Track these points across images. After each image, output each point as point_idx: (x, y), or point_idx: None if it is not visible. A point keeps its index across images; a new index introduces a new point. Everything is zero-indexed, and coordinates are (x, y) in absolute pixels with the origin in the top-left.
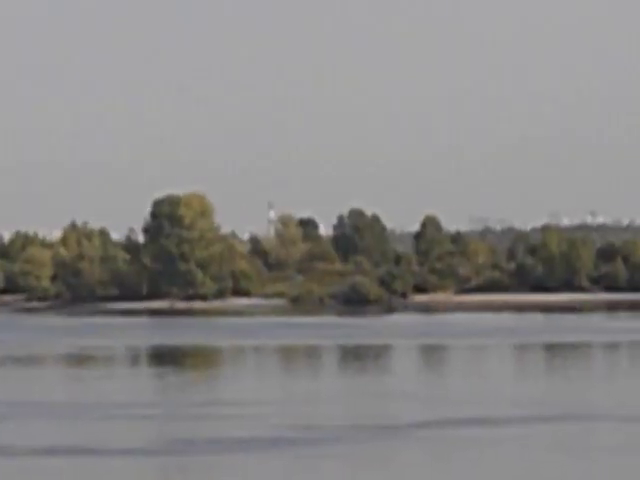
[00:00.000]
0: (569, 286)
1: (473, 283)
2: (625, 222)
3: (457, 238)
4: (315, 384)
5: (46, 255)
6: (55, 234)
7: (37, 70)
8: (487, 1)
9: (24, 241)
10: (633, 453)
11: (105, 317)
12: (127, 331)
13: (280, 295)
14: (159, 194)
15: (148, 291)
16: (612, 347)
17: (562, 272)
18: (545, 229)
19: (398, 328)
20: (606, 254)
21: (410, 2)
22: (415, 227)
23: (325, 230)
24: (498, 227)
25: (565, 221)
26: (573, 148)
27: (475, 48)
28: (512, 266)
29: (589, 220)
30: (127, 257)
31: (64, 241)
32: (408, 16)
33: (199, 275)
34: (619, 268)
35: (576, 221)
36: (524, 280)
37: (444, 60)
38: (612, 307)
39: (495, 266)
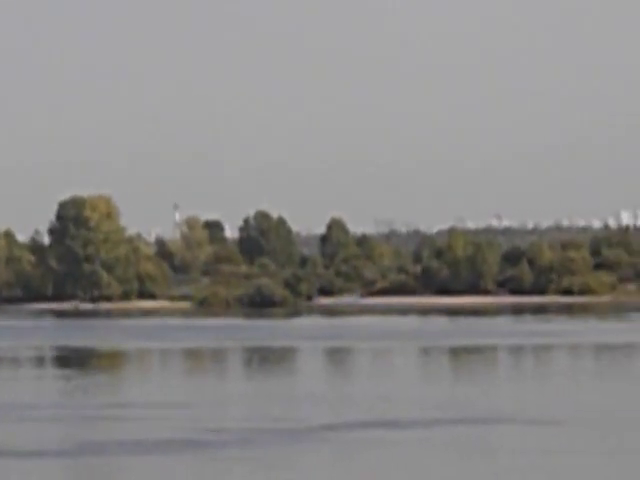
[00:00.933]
0: (474, 289)
1: (378, 286)
2: (530, 225)
3: (363, 241)
4: (222, 386)
5: None
6: None
7: None
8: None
9: None
10: (535, 455)
11: (10, 318)
12: (32, 332)
13: (186, 297)
14: (64, 196)
15: (53, 292)
16: (517, 350)
17: (467, 275)
18: (451, 232)
19: (304, 330)
20: (511, 257)
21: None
22: (321, 230)
23: (231, 232)
24: (404, 230)
25: (470, 224)
26: (479, 152)
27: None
28: (418, 269)
29: (494, 223)
30: (32, 258)
31: None
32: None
33: (104, 277)
34: (524, 271)
35: (481, 224)
36: (429, 283)
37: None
38: (517, 310)
39: (401, 269)
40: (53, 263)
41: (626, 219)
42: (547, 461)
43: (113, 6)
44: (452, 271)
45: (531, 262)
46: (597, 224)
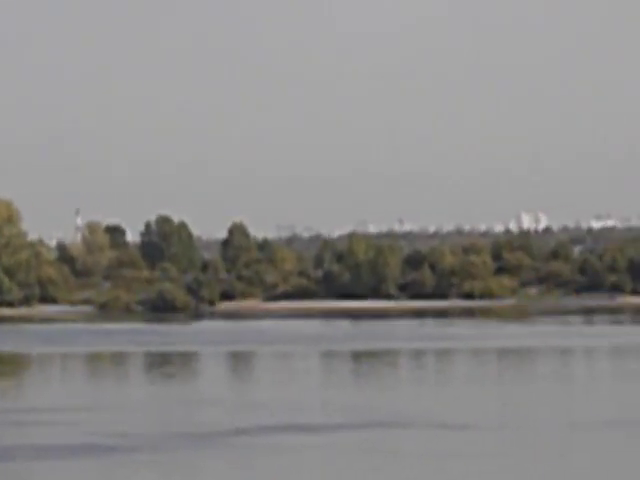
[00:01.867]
0: (376, 293)
1: (280, 290)
2: (432, 229)
3: (264, 245)
4: (124, 391)
5: None
6: None
7: None
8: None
9: None
10: (439, 459)
11: None
12: None
13: (87, 302)
14: None
15: None
16: (419, 354)
17: (369, 279)
18: (352, 236)
19: (205, 335)
20: (413, 261)
21: None
22: (222, 234)
23: (132, 237)
24: (305, 234)
25: (372, 228)
26: (379, 155)
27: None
28: (319, 273)
29: (396, 227)
30: None
31: None
32: None
33: (5, 282)
34: (426, 275)
35: (383, 228)
36: (331, 287)
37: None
38: (419, 314)
39: (302, 273)
40: None
41: (527, 223)
42: (452, 465)
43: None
44: (353, 275)
45: (432, 266)
46: (498, 228)
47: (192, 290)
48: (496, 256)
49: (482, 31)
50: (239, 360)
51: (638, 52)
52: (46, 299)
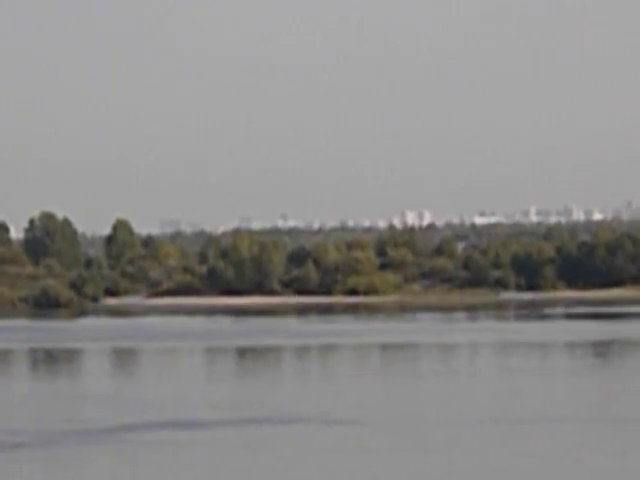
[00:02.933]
0: (260, 289)
1: (164, 286)
2: (316, 225)
3: (148, 241)
4: (9, 387)
5: None
6: None
7: None
8: None
9: None
10: (323, 454)
11: None
12: None
13: None
14: None
15: None
16: (303, 350)
17: (253, 275)
18: (236, 232)
19: (90, 331)
20: (297, 257)
21: None
22: (106, 231)
23: (16, 234)
24: (189, 230)
25: (256, 224)
26: (263, 152)
27: None
28: (203, 269)
29: (280, 223)
30: None
31: None
32: None
33: None
34: (310, 271)
35: (267, 224)
36: (215, 283)
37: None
38: (303, 310)
39: (186, 269)
40: None
41: (411, 219)
42: (336, 460)
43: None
44: (237, 271)
45: (316, 262)
46: (382, 224)
47: (76, 287)
48: (380, 252)
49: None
50: (123, 357)
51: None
52: None
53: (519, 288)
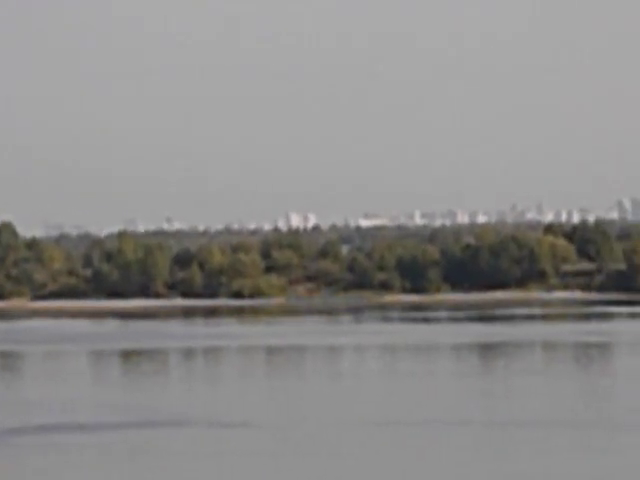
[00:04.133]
0: (145, 292)
1: (49, 289)
2: (201, 228)
3: (33, 244)
4: None
5: None
6: None
7: None
8: None
9: None
10: (207, 458)
11: None
12: None
13: None
14: None
15: None
16: (188, 353)
17: (138, 278)
18: (121, 235)
19: None
20: (182, 260)
21: None
22: None
23: None
24: (74, 233)
25: (141, 227)
26: (150, 158)
27: None
28: (88, 272)
29: (165, 226)
30: None
31: None
32: None
33: None
34: (195, 274)
35: (152, 227)
36: (100, 286)
37: None
38: (188, 313)
39: (71, 272)
40: None
41: (296, 221)
42: (227, 463)
43: None
44: (123, 274)
45: (201, 265)
46: (267, 227)
47: None
48: (265, 255)
49: None
50: (8, 360)
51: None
52: None
53: (404, 290)
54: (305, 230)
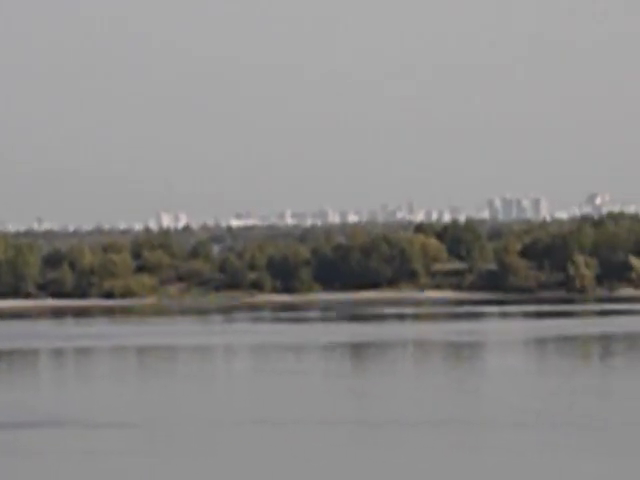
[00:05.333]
0: (16, 292)
1: None
2: (71, 228)
3: None
4: None
5: None
6: None
7: None
8: None
9: None
10: (83, 458)
11: None
12: None
13: None
14: None
15: None
16: (59, 353)
17: (8, 278)
18: None
19: None
20: (52, 260)
21: None
22: None
23: None
24: None
25: (11, 227)
26: (21, 158)
27: None
28: None
29: (35, 226)
30: None
31: None
32: None
33: None
34: (66, 274)
35: (22, 227)
36: None
37: None
38: (58, 313)
39: None
40: None
41: (167, 221)
42: (91, 463)
43: None
44: None
45: (72, 265)
46: (138, 226)
47: None
48: (136, 255)
49: None
50: None
51: None
52: None
53: (275, 290)
54: (176, 230)
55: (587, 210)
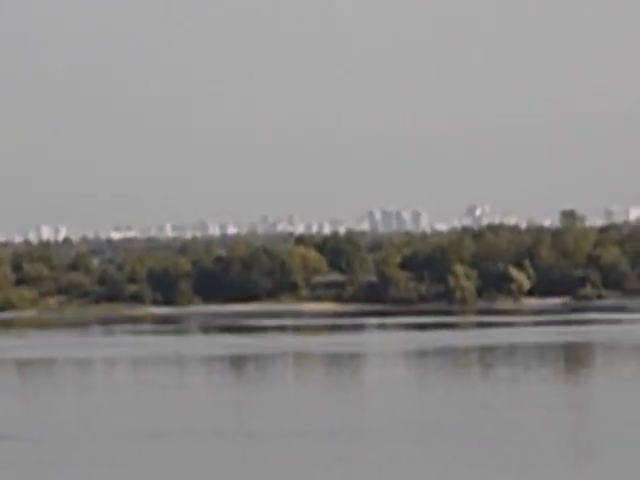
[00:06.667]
0: None
1: None
2: None
3: None
4: None
5: None
6: None
7: None
8: None
9: None
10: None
11: None
12: None
13: None
14: None
15: None
16: None
17: None
18: None
19: None
20: None
21: None
22: None
23: None
24: None
25: None
26: None
27: None
28: None
29: None
30: None
31: None
32: None
33: None
34: None
35: None
36: None
37: None
38: None
39: None
40: None
41: (47, 234)
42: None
43: None
44: None
45: None
46: (18, 239)
47: None
48: (16, 267)
49: None
50: None
51: None
52: None
53: (155, 303)
54: (56, 242)
55: (467, 222)
